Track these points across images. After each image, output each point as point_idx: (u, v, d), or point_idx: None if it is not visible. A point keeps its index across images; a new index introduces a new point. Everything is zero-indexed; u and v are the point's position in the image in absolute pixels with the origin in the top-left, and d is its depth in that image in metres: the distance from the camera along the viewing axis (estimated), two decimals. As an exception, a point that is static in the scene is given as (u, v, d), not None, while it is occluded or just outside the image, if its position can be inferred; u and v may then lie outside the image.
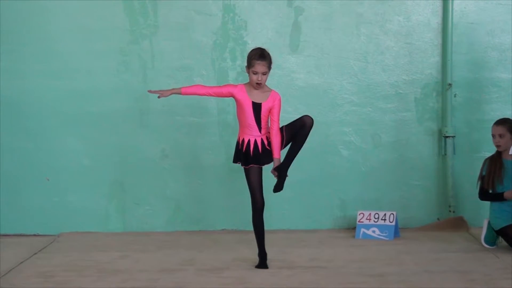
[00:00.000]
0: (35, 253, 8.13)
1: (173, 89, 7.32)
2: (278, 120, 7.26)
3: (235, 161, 7.39)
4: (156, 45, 9.19)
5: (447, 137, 9.16)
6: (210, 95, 7.32)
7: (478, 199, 8.11)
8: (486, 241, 8.09)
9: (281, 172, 7.22)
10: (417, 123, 9.26)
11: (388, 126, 9.26)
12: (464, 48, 9.19)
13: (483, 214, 8.51)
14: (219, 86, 7.40)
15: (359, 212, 8.85)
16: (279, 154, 7.23)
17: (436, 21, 9.20)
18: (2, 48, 9.12)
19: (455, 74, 9.17)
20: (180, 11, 9.18)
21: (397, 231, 8.73)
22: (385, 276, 6.92)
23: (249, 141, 7.24)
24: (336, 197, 9.27)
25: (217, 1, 9.17)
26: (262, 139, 7.25)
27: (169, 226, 9.27)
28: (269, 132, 7.26)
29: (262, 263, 7.33)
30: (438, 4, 9.17)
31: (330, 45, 9.20)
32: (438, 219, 9.25)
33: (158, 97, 7.28)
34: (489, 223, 8.03)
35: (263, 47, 7.27)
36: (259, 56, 7.14)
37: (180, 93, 7.28)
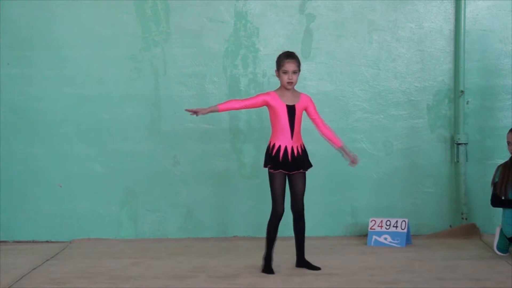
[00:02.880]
0: (48, 260, 8.14)
1: (211, 107, 7.35)
2: (319, 115, 7.45)
3: (265, 165, 7.37)
4: (168, 52, 9.21)
5: (459, 144, 9.14)
6: (246, 107, 7.44)
7: (491, 206, 8.09)
8: (499, 248, 8.06)
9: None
10: (429, 130, 9.24)
11: (400, 133, 9.25)
12: (477, 55, 9.17)
13: (495, 221, 8.49)
14: (252, 98, 7.43)
15: (371, 219, 8.84)
16: (340, 141, 7.49)
17: (448, 28, 9.18)
18: (14, 54, 9.15)
19: (467, 81, 9.15)
20: (192, 18, 9.20)
21: (409, 238, 8.71)
22: (397, 284, 6.90)
23: (279, 146, 7.26)
24: (348, 204, 9.26)
25: (229, 8, 9.18)
26: (292, 147, 7.26)
27: (180, 232, 9.28)
28: (302, 142, 7.36)
29: (268, 268, 7.35)
30: (451, 11, 9.16)
31: (342, 52, 9.20)
32: (450, 226, 9.22)
33: (197, 115, 7.28)
34: (501, 230, 8.00)
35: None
36: (287, 55, 7.31)
37: (217, 111, 7.34)
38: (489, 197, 8.03)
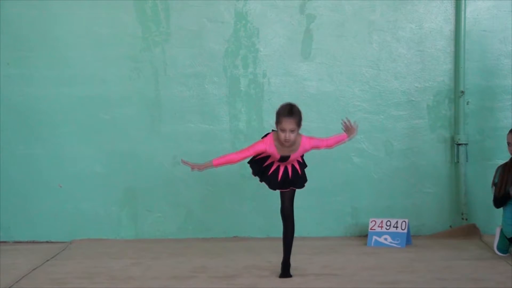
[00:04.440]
0: (48, 260, 8.14)
1: (206, 163, 7.07)
2: (323, 140, 7.12)
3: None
4: (168, 52, 9.21)
5: (459, 144, 9.14)
6: (242, 159, 7.07)
7: (491, 207, 8.08)
8: (499, 249, 8.06)
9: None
10: (430, 131, 9.24)
11: (400, 134, 9.24)
12: (477, 55, 9.17)
13: (495, 221, 8.49)
14: (248, 149, 7.08)
15: (371, 220, 8.84)
16: (344, 135, 7.18)
17: (448, 28, 9.19)
18: (14, 55, 9.15)
19: (467, 81, 9.15)
20: (192, 18, 9.20)
21: (409, 238, 8.71)
22: (397, 284, 6.90)
23: (272, 162, 7.15)
24: (348, 204, 9.26)
25: (229, 9, 9.18)
26: (279, 165, 7.12)
27: (180, 233, 9.27)
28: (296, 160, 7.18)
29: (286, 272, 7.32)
30: (451, 12, 9.16)
31: (342, 53, 9.20)
32: (450, 226, 9.22)
33: (192, 169, 7.05)
34: (501, 231, 8.00)
35: (292, 103, 7.02)
36: (287, 112, 6.84)
37: (212, 166, 7.07)
38: (489, 198, 8.03)
